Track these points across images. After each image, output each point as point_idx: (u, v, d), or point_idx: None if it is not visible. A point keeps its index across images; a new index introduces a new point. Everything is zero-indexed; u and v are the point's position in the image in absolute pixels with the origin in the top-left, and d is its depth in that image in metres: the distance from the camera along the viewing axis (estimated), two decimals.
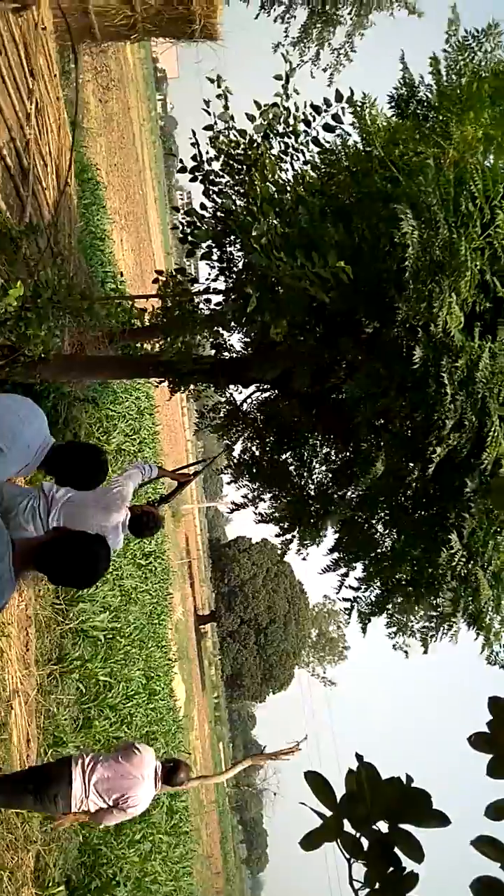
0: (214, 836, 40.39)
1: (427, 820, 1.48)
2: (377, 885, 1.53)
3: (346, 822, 1.62)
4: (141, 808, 4.95)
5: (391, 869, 1.53)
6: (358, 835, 1.57)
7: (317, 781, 1.60)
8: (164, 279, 6.29)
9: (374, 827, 1.56)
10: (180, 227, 5.50)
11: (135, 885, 8.22)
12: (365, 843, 1.58)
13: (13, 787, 4.66)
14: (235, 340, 5.87)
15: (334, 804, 1.57)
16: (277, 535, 5.85)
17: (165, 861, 10.99)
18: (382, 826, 1.58)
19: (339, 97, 4.80)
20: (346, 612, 5.29)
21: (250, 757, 6.15)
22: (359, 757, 1.60)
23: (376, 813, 1.51)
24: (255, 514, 5.90)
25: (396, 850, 1.51)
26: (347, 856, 1.59)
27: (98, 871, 6.80)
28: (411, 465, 4.48)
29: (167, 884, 10.35)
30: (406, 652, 5.15)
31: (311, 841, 1.61)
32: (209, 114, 4.99)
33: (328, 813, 1.61)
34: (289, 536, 5.74)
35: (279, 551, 6.03)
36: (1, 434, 3.18)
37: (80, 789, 4.54)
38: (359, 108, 4.58)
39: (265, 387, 5.72)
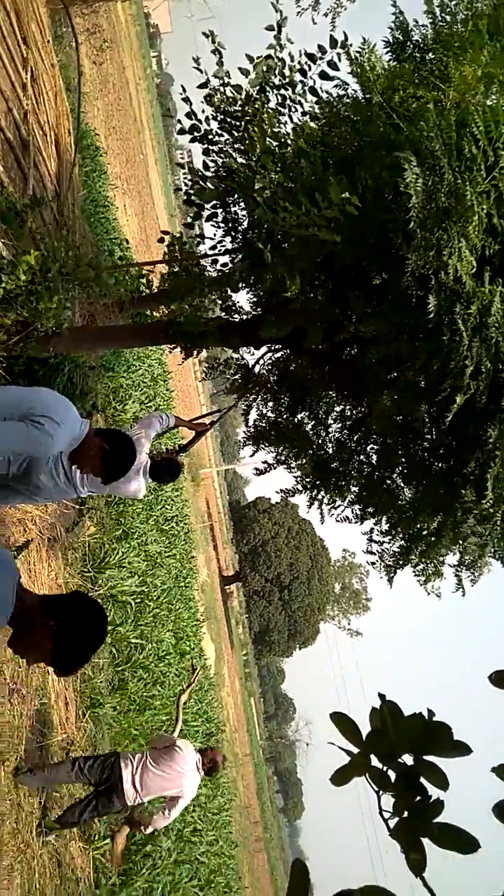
0: (251, 787, 41.55)
1: (449, 750, 1.56)
2: (405, 814, 1.62)
3: (373, 757, 1.71)
4: (190, 797, 5.54)
5: (418, 798, 1.61)
6: (385, 768, 1.65)
7: (343, 721, 1.68)
8: (169, 241, 6.26)
9: (399, 760, 1.65)
10: (183, 189, 5.45)
11: (177, 836, 8.56)
12: (392, 775, 1.66)
13: (76, 811, 5.12)
14: (245, 301, 5.86)
15: (360, 741, 1.65)
16: (308, 505, 5.90)
17: (205, 811, 11.39)
18: (408, 759, 1.67)
19: (333, 43, 4.69)
20: (373, 564, 5.38)
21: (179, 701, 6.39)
22: (381, 696, 1.68)
23: (401, 746, 1.59)
24: (279, 492, 5.97)
25: (422, 780, 1.59)
26: (376, 788, 1.68)
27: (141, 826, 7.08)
28: (425, 415, 4.50)
29: (208, 833, 10.75)
30: (438, 595, 5.25)
31: (340, 776, 1.70)
32: (201, 72, 4.90)
33: (355, 750, 1.69)
34: (314, 502, 5.80)
35: (311, 513, 6.08)
36: (53, 409, 3.31)
37: (133, 791, 5.05)
38: (357, 56, 4.49)
39: (277, 347, 5.73)
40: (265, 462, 6.07)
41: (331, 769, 1.82)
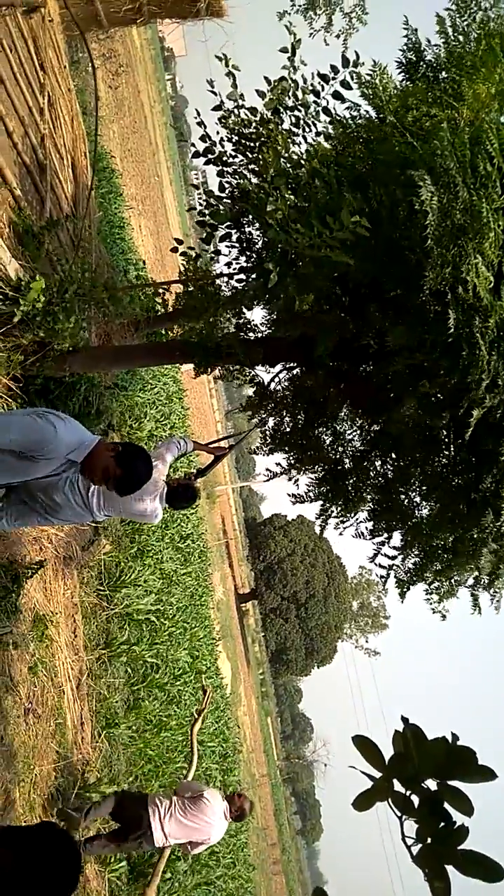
0: (268, 808, 41.09)
1: (473, 775, 1.53)
2: (429, 840, 1.59)
3: (395, 782, 1.68)
4: (215, 841, 5.74)
5: (442, 824, 1.58)
6: (408, 793, 1.62)
7: (365, 744, 1.66)
8: (182, 257, 6.30)
9: (423, 785, 1.62)
10: (198, 210, 5.51)
11: (194, 859, 8.46)
12: (415, 800, 1.63)
13: (99, 845, 5.26)
14: (259, 318, 5.88)
15: (383, 765, 1.63)
16: (318, 516, 5.87)
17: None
18: (431, 784, 1.64)
19: (345, 62, 4.73)
20: (383, 578, 5.33)
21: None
22: (404, 719, 1.65)
23: (424, 771, 1.57)
24: (291, 496, 5.93)
25: (446, 805, 1.56)
26: (399, 814, 1.65)
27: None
28: (444, 430, 4.47)
29: (226, 856, 10.62)
30: (444, 615, 5.17)
31: (363, 801, 1.67)
32: (215, 94, 4.96)
33: (377, 774, 1.67)
34: (326, 515, 5.77)
35: (318, 527, 6.05)
36: (57, 412, 3.12)
37: (161, 836, 5.20)
38: (368, 78, 4.52)
39: (291, 364, 5.74)
40: (278, 464, 6.01)
41: (350, 791, 1.79)
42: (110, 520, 7.94)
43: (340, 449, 5.75)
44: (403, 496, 5.31)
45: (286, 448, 5.85)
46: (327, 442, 5.83)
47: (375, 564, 5.36)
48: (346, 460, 5.70)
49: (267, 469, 6.11)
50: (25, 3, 6.30)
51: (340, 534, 6.01)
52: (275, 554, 50.85)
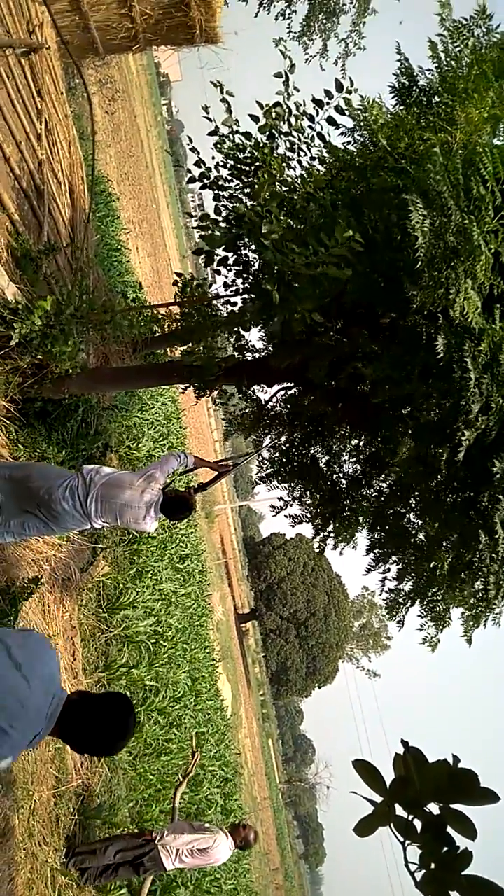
0: (270, 832, 40.52)
1: (476, 798, 1.52)
2: (432, 866, 1.57)
3: (397, 806, 1.66)
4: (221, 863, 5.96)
5: (445, 849, 1.56)
6: (410, 817, 1.61)
7: (366, 768, 1.64)
8: (181, 285, 6.36)
9: (425, 809, 1.60)
10: (197, 229, 5.56)
11: (196, 885, 8.34)
12: (418, 825, 1.62)
13: (102, 872, 5.35)
14: (256, 340, 5.92)
15: (384, 789, 1.61)
16: (314, 536, 5.89)
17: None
18: (434, 808, 1.62)
19: (339, 87, 4.79)
20: (388, 605, 5.31)
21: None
22: (404, 742, 1.64)
23: (426, 795, 1.56)
24: (290, 517, 5.95)
25: (449, 829, 1.55)
26: (401, 839, 1.63)
27: (157, 872, 6.91)
28: (440, 451, 4.48)
29: (227, 882, 10.46)
30: (434, 646, 5.12)
31: (364, 827, 1.66)
32: (210, 120, 5.03)
33: (379, 799, 1.65)
34: (324, 534, 5.77)
35: (316, 548, 6.06)
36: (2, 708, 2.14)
37: (171, 864, 5.46)
38: (359, 113, 4.59)
39: (288, 384, 5.76)
40: (280, 499, 6.06)
41: (353, 814, 1.77)
42: (108, 540, 7.91)
43: (336, 468, 5.76)
44: (400, 517, 5.31)
45: (285, 479, 5.88)
46: (323, 461, 5.84)
47: (382, 592, 5.34)
48: (343, 481, 5.70)
49: (272, 506, 6.17)
50: (24, 45, 6.41)
51: (341, 554, 6.01)
52: (275, 573, 50.59)
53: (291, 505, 5.94)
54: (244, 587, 53.43)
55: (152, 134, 38.45)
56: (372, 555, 5.43)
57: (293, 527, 6.09)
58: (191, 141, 5.62)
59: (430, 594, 5.05)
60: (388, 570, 5.35)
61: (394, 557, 5.36)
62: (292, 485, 5.97)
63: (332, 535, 5.76)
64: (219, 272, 5.73)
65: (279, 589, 50.18)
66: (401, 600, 5.22)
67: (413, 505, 5.25)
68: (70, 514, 4.20)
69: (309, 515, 5.89)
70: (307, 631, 50.31)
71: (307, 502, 5.92)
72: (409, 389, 4.24)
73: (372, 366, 4.33)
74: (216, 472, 5.30)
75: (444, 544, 4.84)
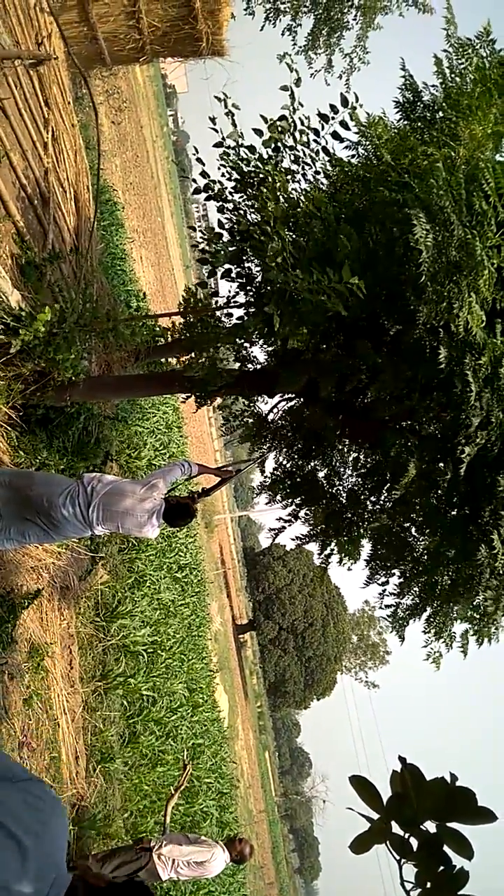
0: (265, 845, 40.22)
1: (473, 817, 1.50)
2: (428, 885, 1.56)
3: (394, 823, 1.65)
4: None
5: (441, 868, 1.55)
6: (407, 835, 1.59)
7: (362, 785, 1.63)
8: (185, 296, 6.38)
9: (422, 827, 1.59)
10: (199, 246, 5.58)
11: None
12: (414, 843, 1.60)
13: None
14: (258, 351, 5.93)
15: (381, 807, 1.60)
16: (319, 556, 5.87)
17: (218, 874, 11.01)
18: (430, 827, 1.61)
19: (344, 102, 4.82)
20: (388, 619, 5.28)
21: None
22: (402, 759, 1.63)
23: (423, 813, 1.54)
24: (295, 539, 5.93)
25: (446, 848, 1.53)
26: (397, 857, 1.62)
27: (153, 885, 6.86)
28: (442, 466, 4.48)
29: None
30: (438, 663, 5.09)
31: (360, 844, 1.64)
32: (217, 131, 5.05)
33: (375, 816, 1.64)
34: (328, 551, 5.76)
35: (320, 563, 6.02)
36: (24, 825, 1.77)
37: (166, 875, 5.40)
38: (363, 128, 4.62)
39: (290, 396, 5.77)
40: (280, 519, 6.03)
41: (349, 828, 1.76)
42: (108, 548, 7.90)
43: (337, 482, 5.75)
44: (401, 531, 5.30)
45: (286, 494, 5.87)
46: (323, 474, 5.83)
47: (381, 606, 5.32)
48: (343, 495, 5.69)
49: (270, 529, 6.14)
50: (32, 57, 6.46)
51: (349, 569, 5.97)
52: (273, 584, 50.46)
53: (292, 524, 5.92)
54: (243, 598, 53.28)
55: (158, 144, 38.71)
56: (371, 567, 5.42)
57: (297, 546, 6.07)
58: (196, 152, 5.65)
59: (430, 609, 5.03)
60: (388, 582, 5.34)
61: (395, 571, 5.34)
62: (293, 501, 5.95)
63: (335, 551, 5.74)
64: (217, 293, 5.75)
65: (277, 599, 50.02)
66: (401, 614, 5.20)
67: (414, 519, 5.24)
68: (70, 523, 4.19)
69: (312, 534, 5.87)
70: (305, 643, 50.13)
71: (309, 520, 5.90)
72: (411, 405, 4.25)
73: (377, 382, 4.33)
74: (219, 479, 5.31)
75: (445, 559, 4.83)
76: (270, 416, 6.07)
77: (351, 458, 5.74)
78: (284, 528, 5.96)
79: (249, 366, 5.86)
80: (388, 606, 5.25)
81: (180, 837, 5.68)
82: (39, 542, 4.91)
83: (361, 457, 5.64)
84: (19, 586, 5.43)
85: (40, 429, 6.01)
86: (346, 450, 5.74)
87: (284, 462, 5.94)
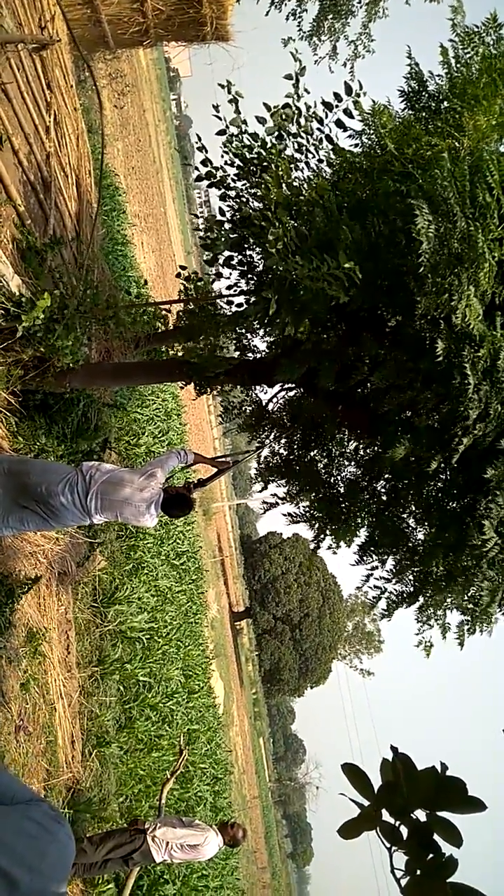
0: (258, 831, 40.59)
1: (463, 806, 1.53)
2: (418, 872, 1.58)
3: (385, 812, 1.67)
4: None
5: (431, 856, 1.57)
6: (397, 823, 1.62)
7: (354, 772, 1.65)
8: (185, 280, 6.36)
9: (412, 815, 1.61)
10: (202, 231, 5.56)
11: (183, 882, 8.35)
12: (404, 831, 1.63)
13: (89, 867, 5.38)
14: (259, 340, 5.92)
15: (372, 794, 1.62)
16: (312, 540, 5.89)
17: (211, 857, 11.11)
18: (421, 815, 1.63)
19: (348, 90, 4.79)
20: (374, 599, 5.31)
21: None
22: (393, 749, 1.65)
23: (413, 802, 1.56)
24: (286, 515, 5.94)
25: (435, 836, 1.56)
26: (388, 845, 1.64)
27: (147, 869, 6.94)
28: (435, 454, 4.48)
29: (214, 880, 10.47)
30: (428, 651, 5.12)
31: (349, 830, 1.66)
32: (220, 118, 5.02)
33: (366, 802, 1.66)
34: (322, 536, 5.78)
35: (311, 546, 6.06)
36: (17, 857, 1.64)
37: (160, 857, 5.47)
38: (368, 114, 4.59)
39: (290, 385, 5.76)
40: (274, 495, 6.04)
41: (342, 815, 1.78)
42: (106, 535, 7.92)
43: (335, 472, 5.76)
44: (398, 520, 5.31)
45: (282, 476, 5.88)
46: (322, 464, 5.84)
47: (367, 588, 5.34)
48: (341, 484, 5.71)
49: (264, 501, 6.13)
50: (35, 41, 6.40)
51: (334, 553, 6.01)
52: (270, 572, 50.61)
53: (286, 502, 5.93)
54: (239, 585, 53.46)
55: (161, 129, 38.43)
56: (364, 552, 5.44)
57: (290, 525, 6.07)
58: (199, 139, 5.62)
59: (424, 597, 5.05)
60: (377, 567, 5.36)
61: (389, 559, 5.37)
62: (291, 482, 5.97)
63: (329, 536, 5.76)
64: (220, 275, 5.73)
65: (273, 588, 50.21)
66: (395, 599, 5.23)
67: (411, 509, 5.26)
68: (69, 511, 4.20)
69: (307, 516, 5.89)
70: (301, 631, 50.38)
71: (304, 503, 5.92)
72: (412, 396, 4.25)
73: (378, 373, 4.33)
74: (215, 469, 5.31)
75: (441, 550, 4.85)
76: (270, 406, 6.08)
77: (350, 449, 5.75)
78: (278, 503, 5.97)
79: (250, 355, 5.86)
80: (376, 588, 5.27)
81: (174, 820, 5.73)
82: (38, 530, 4.93)
83: (359, 447, 5.65)
84: (17, 571, 5.45)
85: (39, 415, 6.01)
86: (345, 440, 5.75)
87: (283, 451, 5.95)
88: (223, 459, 5.45)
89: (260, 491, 6.25)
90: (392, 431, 4.71)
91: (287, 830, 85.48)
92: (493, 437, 4.27)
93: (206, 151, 5.20)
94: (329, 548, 5.85)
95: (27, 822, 1.69)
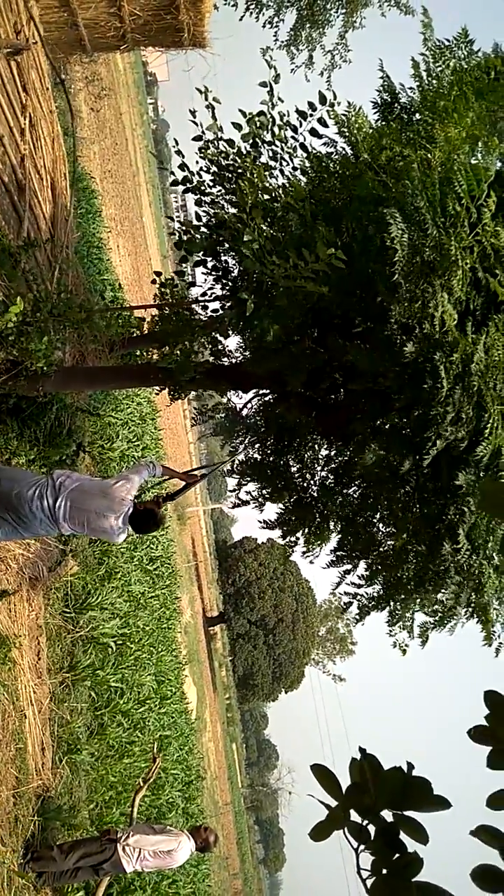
0: (230, 837, 40.43)
1: (429, 805, 1.55)
2: (384, 872, 1.60)
3: (353, 812, 1.69)
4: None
5: (397, 856, 1.59)
6: (365, 822, 1.63)
7: (323, 773, 1.67)
8: (160, 284, 6.36)
9: (380, 815, 1.63)
10: (177, 235, 5.57)
11: (153, 889, 8.30)
12: (372, 830, 1.64)
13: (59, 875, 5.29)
14: (233, 345, 5.94)
15: (340, 794, 1.64)
16: (282, 538, 5.91)
17: (183, 864, 11.05)
18: (388, 816, 1.65)
19: (322, 99, 4.84)
20: (346, 605, 5.36)
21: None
22: (361, 749, 1.67)
23: (381, 801, 1.58)
24: (260, 522, 5.96)
25: (402, 836, 1.58)
26: (355, 845, 1.66)
27: (117, 876, 6.88)
28: (407, 454, 4.53)
29: (185, 886, 10.41)
30: (404, 650, 5.18)
31: (319, 831, 1.68)
32: (197, 125, 5.05)
33: (335, 803, 1.68)
34: (293, 539, 5.81)
35: (286, 552, 6.09)
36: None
37: (131, 867, 5.36)
38: (343, 119, 4.65)
39: (264, 391, 5.79)
40: (248, 492, 6.04)
41: (314, 820, 1.79)
42: (78, 540, 7.86)
43: (308, 477, 5.80)
44: (369, 525, 5.36)
45: (256, 478, 5.89)
46: (294, 469, 5.88)
47: (340, 593, 5.39)
48: (313, 489, 5.74)
49: (238, 497, 6.11)
50: (10, 46, 6.37)
51: (311, 562, 6.04)
52: (244, 577, 50.57)
53: (257, 506, 5.95)
54: (214, 590, 53.33)
55: (137, 133, 38.37)
56: (336, 556, 5.48)
57: (262, 530, 6.08)
58: (177, 143, 5.63)
59: (394, 601, 5.11)
60: (350, 572, 5.41)
61: (361, 563, 5.41)
62: (263, 486, 5.98)
63: (301, 540, 5.80)
64: (194, 284, 5.73)
65: (247, 593, 50.17)
66: (367, 603, 5.27)
67: (382, 515, 5.31)
68: (39, 519, 4.17)
69: (280, 521, 5.91)
70: (275, 636, 50.40)
71: (276, 505, 5.94)
72: (385, 383, 4.28)
73: (357, 357, 4.35)
74: (185, 483, 5.31)
75: (411, 554, 4.90)
76: (244, 412, 6.09)
77: (322, 455, 5.79)
78: (248, 503, 5.98)
79: (224, 360, 5.87)
80: (346, 594, 5.32)
81: (146, 828, 5.70)
82: (8, 539, 4.88)
83: (332, 453, 5.69)
84: None
85: (11, 418, 5.97)
86: (317, 446, 5.79)
87: (256, 455, 5.97)
88: (192, 472, 5.43)
89: (232, 491, 6.23)
90: (362, 439, 4.75)
91: (259, 836, 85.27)
92: (466, 443, 4.33)
93: (183, 156, 5.23)
94: (303, 554, 5.88)
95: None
